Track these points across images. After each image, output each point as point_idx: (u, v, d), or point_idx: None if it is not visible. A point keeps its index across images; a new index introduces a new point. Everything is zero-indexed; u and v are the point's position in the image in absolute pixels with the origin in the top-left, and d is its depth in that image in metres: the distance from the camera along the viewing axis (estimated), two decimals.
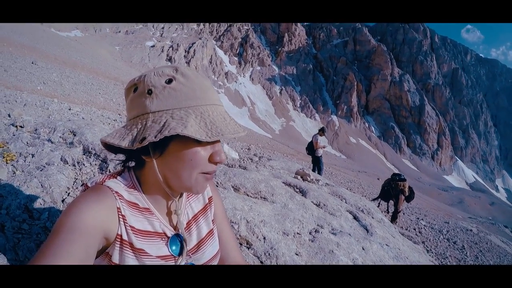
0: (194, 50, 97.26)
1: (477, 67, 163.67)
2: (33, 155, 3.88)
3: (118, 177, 1.05)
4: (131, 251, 0.96)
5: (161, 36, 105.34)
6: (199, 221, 1.21)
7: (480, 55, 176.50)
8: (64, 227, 0.81)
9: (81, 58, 37.56)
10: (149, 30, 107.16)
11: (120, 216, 0.95)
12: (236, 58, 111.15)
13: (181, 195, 1.16)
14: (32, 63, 19.51)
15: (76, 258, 0.77)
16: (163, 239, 1.05)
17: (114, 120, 9.77)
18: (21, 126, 4.55)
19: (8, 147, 3.96)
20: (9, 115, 5.65)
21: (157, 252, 1.02)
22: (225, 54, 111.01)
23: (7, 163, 3.66)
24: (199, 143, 0.94)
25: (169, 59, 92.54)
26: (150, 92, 0.93)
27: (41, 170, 3.58)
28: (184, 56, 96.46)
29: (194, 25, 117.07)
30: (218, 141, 0.99)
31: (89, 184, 1.03)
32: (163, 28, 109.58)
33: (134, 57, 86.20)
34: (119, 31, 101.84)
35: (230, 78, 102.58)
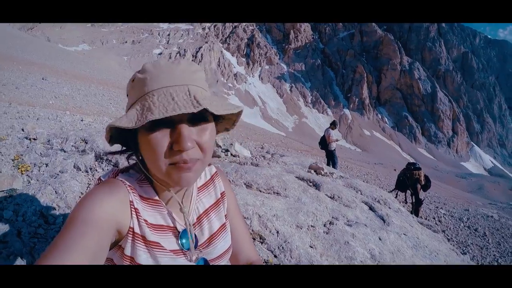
0: (202, 54, 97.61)
1: (486, 49, 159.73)
2: (46, 165, 4.14)
3: (131, 170, 1.07)
4: (143, 244, 0.96)
5: (167, 43, 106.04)
6: (211, 216, 1.20)
7: (489, 36, 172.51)
8: (77, 220, 0.81)
9: (90, 71, 37.88)
10: (155, 38, 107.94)
11: (132, 209, 0.95)
12: (243, 59, 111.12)
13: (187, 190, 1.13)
14: (43, 79, 19.68)
15: (88, 251, 0.77)
16: (174, 233, 1.05)
17: None
18: (34, 139, 4.89)
19: (22, 159, 4.26)
20: (22, 130, 5.81)
21: (169, 246, 1.01)
22: (232, 55, 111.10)
23: (22, 173, 3.94)
24: (152, 131, 0.88)
25: None
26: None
27: (54, 178, 3.75)
28: (192, 61, 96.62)
29: (199, 30, 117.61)
30: (178, 125, 0.88)
31: (102, 178, 1.05)
32: (168, 35, 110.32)
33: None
34: (126, 42, 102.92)
35: (240, 79, 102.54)
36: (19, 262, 2.55)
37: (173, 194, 1.04)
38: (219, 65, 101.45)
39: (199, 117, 0.91)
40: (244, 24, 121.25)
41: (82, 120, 9.13)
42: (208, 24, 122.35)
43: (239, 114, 1.05)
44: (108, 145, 0.95)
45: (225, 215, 1.26)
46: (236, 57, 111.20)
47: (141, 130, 0.90)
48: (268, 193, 3.74)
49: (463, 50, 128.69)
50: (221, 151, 5.91)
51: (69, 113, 11.05)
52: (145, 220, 0.97)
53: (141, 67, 0.96)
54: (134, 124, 0.84)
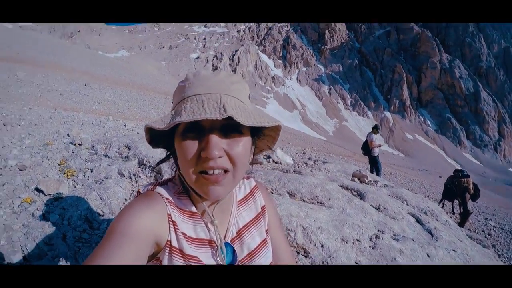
0: (238, 58, 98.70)
1: None
2: (91, 170, 4.31)
3: (169, 183, 1.08)
4: (181, 257, 0.96)
5: (204, 47, 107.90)
6: (251, 231, 1.18)
7: None
8: (116, 232, 0.83)
9: (130, 76, 38.78)
10: (192, 42, 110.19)
11: (170, 222, 0.96)
12: (280, 61, 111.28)
13: (226, 204, 1.13)
14: (85, 85, 20.33)
15: (126, 262, 0.78)
16: (213, 246, 1.05)
17: None
18: (79, 144, 5.22)
19: (68, 164, 4.48)
20: (68, 135, 6.11)
21: (207, 260, 1.02)
22: (269, 58, 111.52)
23: (68, 178, 4.15)
24: (184, 136, 0.90)
25: (215, 69, 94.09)
26: None
27: (99, 184, 3.93)
28: (229, 64, 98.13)
29: (234, 32, 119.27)
30: (208, 132, 0.89)
31: (141, 191, 1.06)
32: (204, 39, 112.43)
33: (181, 70, 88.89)
34: (163, 47, 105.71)
35: (278, 82, 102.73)
36: (64, 264, 2.69)
37: (206, 207, 1.03)
38: (256, 68, 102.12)
39: (232, 128, 0.91)
40: (279, 25, 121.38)
41: (125, 125, 9.33)
42: (242, 27, 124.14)
43: (277, 130, 1.04)
44: (151, 151, 1.00)
45: (266, 230, 1.24)
46: (273, 59, 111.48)
47: (177, 136, 0.93)
48: (312, 203, 3.67)
49: (504, 45, 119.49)
50: (263, 158, 5.89)
51: (112, 118, 11.36)
52: (183, 233, 0.99)
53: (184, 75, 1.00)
54: (164, 126, 0.87)
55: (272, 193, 3.76)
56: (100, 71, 34.19)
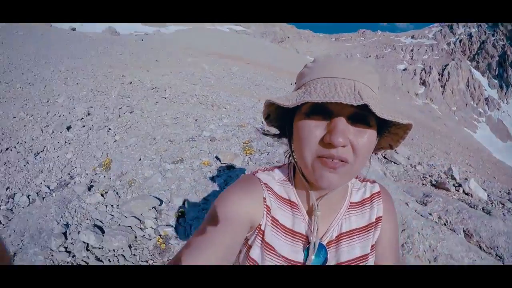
0: (448, 73, 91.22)
1: None
2: (268, 153, 4.90)
3: (276, 170, 1.09)
4: (260, 241, 0.98)
5: (411, 58, 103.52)
6: (354, 240, 1.06)
7: None
8: (214, 216, 0.88)
9: None
10: (399, 53, 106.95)
11: (264, 206, 0.97)
12: (496, 81, 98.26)
13: (337, 203, 1.05)
14: (291, 84, 22.07)
15: (224, 245, 0.82)
16: (304, 242, 1.00)
17: None
18: (268, 131, 5.92)
19: (251, 144, 5.32)
20: (262, 122, 7.02)
21: (287, 253, 0.99)
22: (482, 76, 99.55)
23: (246, 155, 4.97)
24: (309, 117, 0.84)
25: (423, 83, 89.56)
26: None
27: (269, 165, 4.70)
28: (439, 79, 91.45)
29: (444, 45, 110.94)
30: (336, 118, 0.81)
31: (246, 173, 1.12)
32: (412, 50, 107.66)
33: (387, 80, 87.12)
34: (369, 56, 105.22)
35: (492, 105, 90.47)
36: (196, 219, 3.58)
37: (313, 197, 0.97)
38: (468, 86, 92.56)
39: (361, 118, 0.83)
40: (493, 38, 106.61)
41: None
42: (452, 39, 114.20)
43: (407, 129, 0.91)
44: None
45: (372, 246, 1.09)
46: (487, 77, 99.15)
47: (299, 115, 0.89)
48: (488, 254, 3.17)
49: None
50: (453, 185, 5.53)
51: None
52: (275, 220, 0.99)
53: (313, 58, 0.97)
54: (289, 103, 0.83)
55: (445, 225, 3.47)
56: (291, 69, 36.75)
